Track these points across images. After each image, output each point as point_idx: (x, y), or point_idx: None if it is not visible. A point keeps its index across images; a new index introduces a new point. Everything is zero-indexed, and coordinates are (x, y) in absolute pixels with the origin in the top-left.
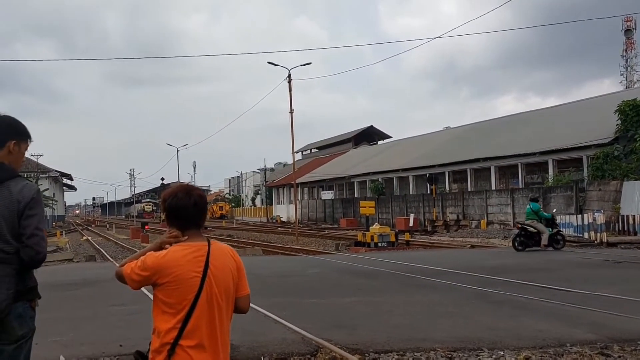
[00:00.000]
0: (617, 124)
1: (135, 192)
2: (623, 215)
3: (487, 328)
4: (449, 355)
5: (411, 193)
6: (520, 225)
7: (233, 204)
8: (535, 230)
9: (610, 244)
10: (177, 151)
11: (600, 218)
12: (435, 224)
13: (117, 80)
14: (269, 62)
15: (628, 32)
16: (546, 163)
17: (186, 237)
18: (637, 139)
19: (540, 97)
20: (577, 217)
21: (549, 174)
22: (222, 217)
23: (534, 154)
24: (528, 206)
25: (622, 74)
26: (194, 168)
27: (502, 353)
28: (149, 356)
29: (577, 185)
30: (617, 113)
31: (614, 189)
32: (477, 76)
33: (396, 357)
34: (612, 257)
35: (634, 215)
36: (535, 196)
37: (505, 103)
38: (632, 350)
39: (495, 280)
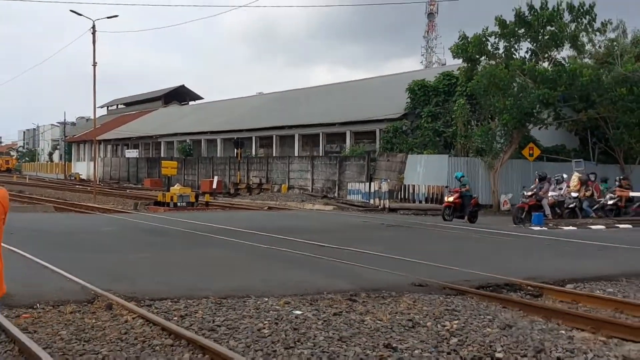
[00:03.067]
0: (407, 102)
1: None
2: (406, 185)
3: (260, 280)
4: (219, 302)
5: (219, 156)
6: None
7: (27, 159)
8: None
9: (392, 210)
10: None
11: (385, 186)
12: (239, 186)
13: None
14: (71, 11)
15: (430, 15)
16: (345, 134)
17: None
18: (423, 116)
19: (350, 70)
20: (364, 185)
21: (347, 144)
22: (8, 170)
23: (334, 124)
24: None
25: (422, 55)
26: None
27: (266, 299)
28: None
29: (369, 155)
30: (407, 92)
31: (400, 160)
32: (293, 45)
33: (170, 303)
34: (388, 221)
35: (414, 185)
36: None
37: (318, 73)
38: (376, 297)
39: (281, 239)
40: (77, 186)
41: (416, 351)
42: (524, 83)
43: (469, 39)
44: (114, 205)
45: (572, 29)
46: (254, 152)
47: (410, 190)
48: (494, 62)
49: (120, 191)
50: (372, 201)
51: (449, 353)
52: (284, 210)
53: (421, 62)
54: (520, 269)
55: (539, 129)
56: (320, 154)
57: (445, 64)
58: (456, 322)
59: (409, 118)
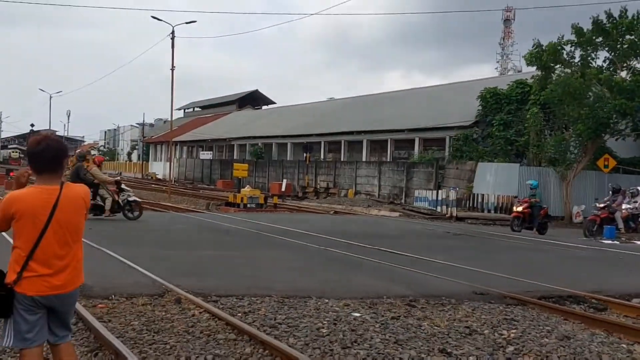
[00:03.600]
0: (478, 109)
1: (2, 137)
2: (475, 194)
3: (322, 281)
4: (281, 301)
5: (288, 159)
6: None
7: (107, 157)
8: None
9: (459, 218)
10: (50, 98)
11: (453, 194)
12: (306, 190)
13: None
14: (152, 17)
15: (507, 21)
16: (413, 140)
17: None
18: (494, 125)
19: (425, 76)
20: (432, 193)
21: (415, 150)
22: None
23: (402, 130)
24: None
25: (498, 61)
26: (68, 117)
27: (327, 300)
28: (7, 272)
29: (438, 163)
30: (479, 99)
31: (470, 168)
32: (368, 50)
33: (235, 300)
34: (454, 230)
35: (484, 194)
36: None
37: (392, 79)
38: (435, 303)
39: (344, 243)
40: (153, 185)
41: (471, 357)
42: (600, 93)
43: (543, 47)
44: (187, 205)
45: None
46: (322, 157)
47: (479, 199)
48: (569, 71)
49: (193, 191)
50: (439, 209)
51: None
52: (349, 215)
53: (496, 69)
54: (586, 282)
55: (616, 139)
56: (388, 160)
57: (521, 71)
58: (514, 331)
59: (480, 126)
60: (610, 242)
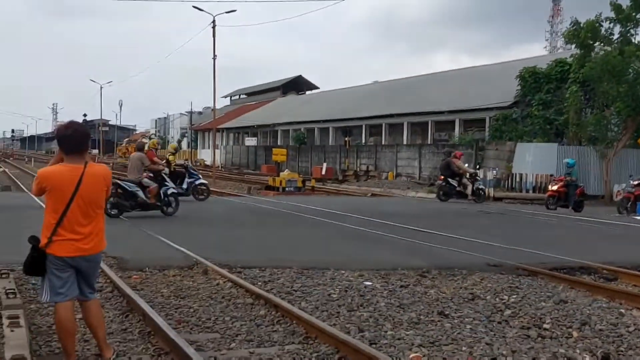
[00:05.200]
0: (517, 89)
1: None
2: (514, 174)
3: (343, 255)
4: (300, 272)
5: (330, 144)
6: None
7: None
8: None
9: (496, 199)
10: (101, 88)
11: (490, 174)
12: (347, 173)
13: (41, 9)
14: (194, 7)
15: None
16: (454, 122)
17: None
18: (533, 104)
19: (472, 57)
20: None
21: (455, 132)
22: None
23: (442, 112)
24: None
25: (547, 40)
26: (120, 106)
27: (343, 272)
28: (41, 237)
29: (478, 143)
30: (518, 79)
31: (509, 149)
32: (414, 32)
33: (257, 271)
34: (486, 209)
35: (522, 174)
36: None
37: (439, 61)
38: (446, 274)
39: (372, 222)
40: (201, 171)
41: (467, 319)
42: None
43: (581, 25)
44: (230, 190)
45: None
46: (363, 140)
47: (518, 179)
48: (609, 48)
49: (238, 176)
50: None
51: (499, 322)
52: (386, 197)
53: (545, 48)
54: (603, 254)
55: None
56: (429, 142)
57: (571, 49)
58: (514, 296)
59: (519, 106)
60: None
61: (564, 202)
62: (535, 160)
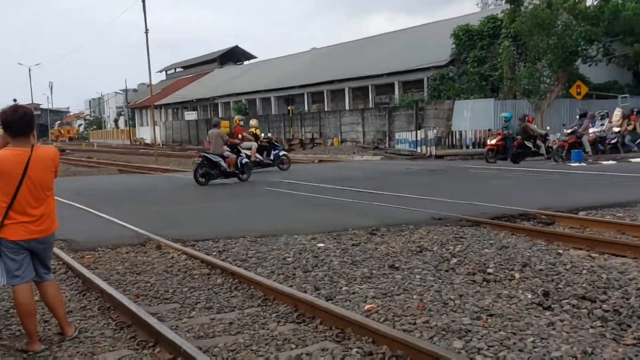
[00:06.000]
0: (452, 48)
1: None
2: (454, 131)
3: (295, 221)
4: (254, 240)
5: (273, 113)
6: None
7: (94, 127)
8: None
9: (438, 157)
10: (29, 70)
11: (431, 133)
12: (292, 142)
13: None
14: None
15: None
16: (393, 84)
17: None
18: (468, 62)
19: (410, 16)
20: (412, 134)
21: (395, 94)
22: (70, 139)
23: (382, 75)
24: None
25: None
26: (51, 89)
27: (297, 236)
28: None
29: (417, 104)
30: (452, 37)
31: (448, 107)
32: None
33: (211, 243)
34: (430, 167)
35: (462, 131)
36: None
37: (377, 23)
38: (395, 230)
39: (321, 187)
40: (141, 150)
41: (417, 269)
42: (567, 21)
43: None
44: (174, 166)
45: None
46: (306, 108)
47: (458, 137)
48: (537, 2)
49: (181, 153)
50: (419, 149)
51: (446, 271)
52: (333, 163)
53: (477, 4)
54: (542, 201)
55: (589, 66)
56: (370, 106)
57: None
58: (459, 246)
59: (455, 64)
60: (577, 164)
61: (502, 154)
62: (473, 116)
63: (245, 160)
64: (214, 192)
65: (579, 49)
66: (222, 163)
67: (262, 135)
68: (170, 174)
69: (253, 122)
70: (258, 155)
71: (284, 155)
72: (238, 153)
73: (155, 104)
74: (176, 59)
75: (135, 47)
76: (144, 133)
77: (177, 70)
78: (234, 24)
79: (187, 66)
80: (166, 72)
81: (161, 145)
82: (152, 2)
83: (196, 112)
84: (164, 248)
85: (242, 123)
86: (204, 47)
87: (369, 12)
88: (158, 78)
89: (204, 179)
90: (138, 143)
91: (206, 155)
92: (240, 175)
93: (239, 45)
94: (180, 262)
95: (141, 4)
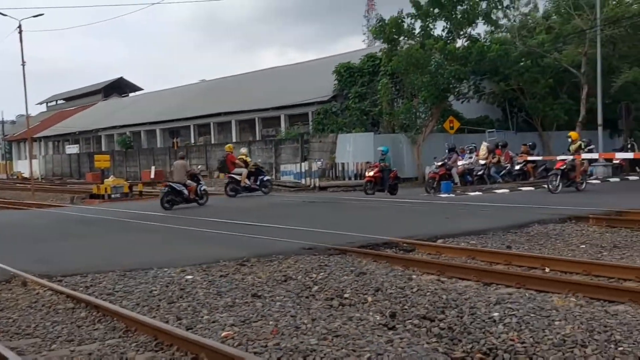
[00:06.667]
0: (334, 84)
1: None
2: (337, 163)
3: (167, 255)
4: (123, 274)
5: (159, 146)
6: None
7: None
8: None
9: (322, 188)
10: None
11: (315, 166)
12: None
13: None
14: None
15: None
16: (279, 117)
17: None
18: (350, 97)
19: (300, 52)
20: (296, 166)
21: (282, 127)
22: None
23: (268, 109)
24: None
25: (364, 34)
26: None
27: (166, 269)
28: None
29: (303, 137)
30: (335, 74)
31: (331, 140)
32: (242, 29)
33: (79, 278)
34: (311, 199)
35: (344, 163)
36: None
37: (268, 57)
38: (265, 261)
39: (197, 220)
40: (18, 184)
41: (278, 297)
42: (440, 61)
43: (386, 21)
44: (52, 201)
45: (484, 6)
46: (192, 140)
47: (341, 169)
48: (412, 42)
49: (61, 187)
50: (303, 181)
51: (307, 297)
52: (216, 196)
53: (363, 41)
54: (407, 230)
55: (462, 102)
56: (257, 139)
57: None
58: (322, 274)
59: (338, 99)
60: (446, 195)
61: (380, 186)
62: (355, 149)
63: (203, 187)
64: (85, 229)
65: (450, 86)
66: (185, 191)
67: (252, 162)
68: (46, 209)
69: (243, 150)
70: (247, 181)
71: (267, 180)
72: (198, 182)
73: (35, 136)
74: (59, 90)
75: (13, 78)
76: (22, 167)
77: (59, 102)
78: (120, 55)
79: (70, 98)
80: (47, 103)
81: (40, 179)
82: (32, 33)
83: (78, 145)
84: (29, 284)
85: (233, 152)
86: (89, 78)
87: (260, 45)
88: (38, 110)
89: (168, 205)
90: (15, 177)
91: (171, 184)
92: (199, 200)
93: (124, 77)
94: (45, 297)
95: (34, 33)
